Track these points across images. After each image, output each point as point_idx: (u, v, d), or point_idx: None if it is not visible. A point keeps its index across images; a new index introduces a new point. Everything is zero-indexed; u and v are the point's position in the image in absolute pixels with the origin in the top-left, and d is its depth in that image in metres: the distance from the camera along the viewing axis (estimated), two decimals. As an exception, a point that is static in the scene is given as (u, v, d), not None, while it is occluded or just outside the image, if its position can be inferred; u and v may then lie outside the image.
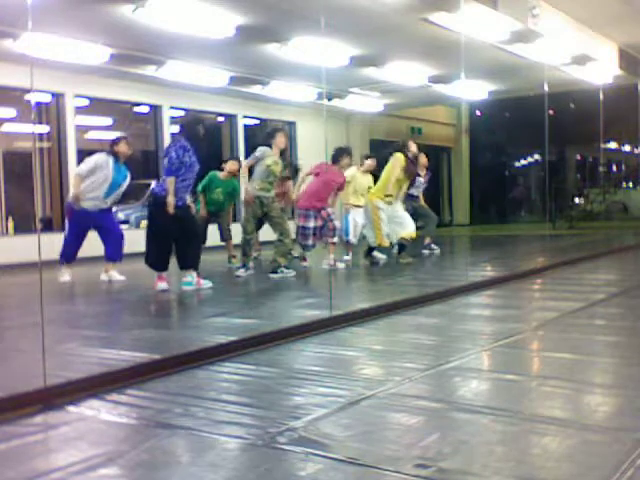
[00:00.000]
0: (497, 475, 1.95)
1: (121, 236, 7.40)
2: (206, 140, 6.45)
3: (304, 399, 2.79)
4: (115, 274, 7.29)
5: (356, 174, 8.84)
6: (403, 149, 8.34)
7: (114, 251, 7.31)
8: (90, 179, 7.05)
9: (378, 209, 8.18)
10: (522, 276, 6.77)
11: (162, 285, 6.34)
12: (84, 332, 4.82)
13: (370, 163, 8.97)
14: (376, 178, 8.80)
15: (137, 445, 2.31)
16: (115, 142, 7.22)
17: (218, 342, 3.75)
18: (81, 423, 2.59)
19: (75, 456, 2.22)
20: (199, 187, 8.33)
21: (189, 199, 6.46)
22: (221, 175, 8.49)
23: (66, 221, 7.58)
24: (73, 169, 11.02)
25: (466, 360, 3.35)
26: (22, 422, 2.59)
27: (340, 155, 7.98)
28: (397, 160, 8.20)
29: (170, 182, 6.05)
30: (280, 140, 7.34)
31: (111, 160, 7.11)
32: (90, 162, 7.12)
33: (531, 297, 6.02)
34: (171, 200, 6.03)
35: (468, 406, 2.61)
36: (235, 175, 8.50)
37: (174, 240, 6.27)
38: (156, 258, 6.34)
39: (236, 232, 8.75)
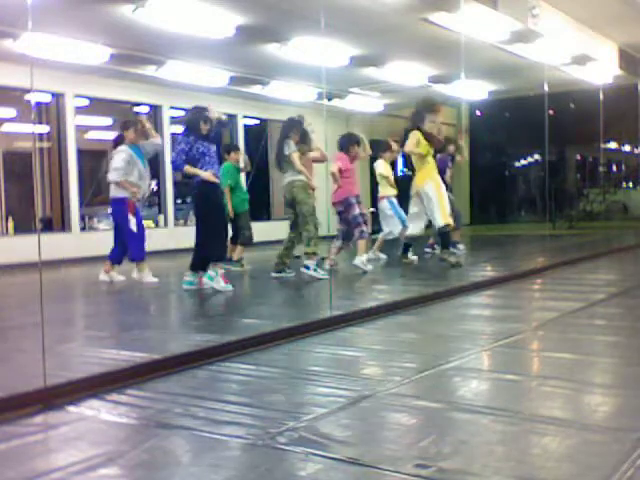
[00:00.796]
0: (497, 475, 1.95)
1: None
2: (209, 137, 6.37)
3: (304, 399, 2.79)
4: (115, 274, 7.29)
5: (387, 166, 8.84)
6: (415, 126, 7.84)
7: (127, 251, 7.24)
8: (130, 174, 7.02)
9: (440, 187, 7.74)
10: (522, 276, 6.77)
11: (229, 286, 6.19)
12: (84, 332, 4.83)
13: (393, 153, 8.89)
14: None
15: (137, 445, 2.31)
16: (125, 128, 7.17)
17: (218, 342, 3.75)
18: (81, 423, 2.59)
19: (75, 456, 2.22)
20: (226, 182, 7.71)
21: None
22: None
23: (128, 218, 7.10)
24: (73, 169, 11.04)
25: (466, 360, 3.35)
26: (22, 422, 2.59)
27: (350, 143, 7.75)
28: (413, 137, 7.70)
29: (187, 170, 6.09)
30: (296, 137, 7.23)
31: (130, 149, 7.06)
32: (120, 162, 6.98)
33: (531, 297, 6.02)
34: (202, 173, 6.03)
35: (468, 406, 2.61)
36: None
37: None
38: (221, 247, 6.29)
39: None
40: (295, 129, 7.19)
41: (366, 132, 16.57)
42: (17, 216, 11.11)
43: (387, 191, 8.71)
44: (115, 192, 7.04)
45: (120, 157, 7.01)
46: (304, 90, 12.90)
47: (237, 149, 8.46)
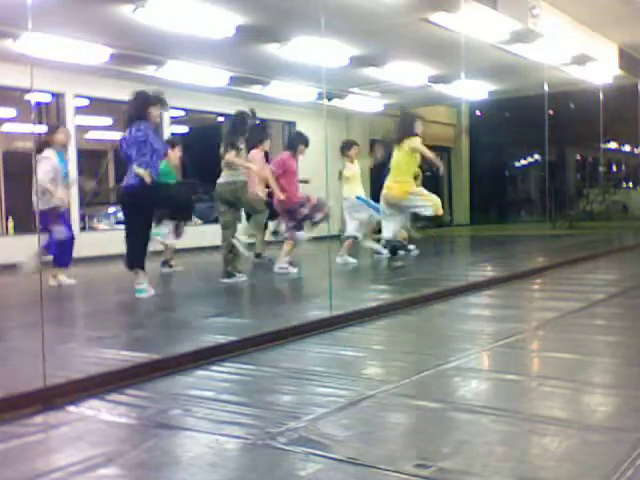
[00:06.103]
0: (497, 475, 1.95)
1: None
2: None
3: (304, 399, 2.79)
4: (65, 278, 6.99)
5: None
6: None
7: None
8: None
9: None
10: (522, 276, 6.77)
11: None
12: (84, 332, 4.82)
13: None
14: None
15: (137, 445, 2.31)
16: (52, 131, 7.09)
17: (218, 342, 3.75)
18: (81, 423, 2.59)
19: (75, 456, 2.22)
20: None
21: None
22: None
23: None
24: (73, 169, 11.04)
25: (466, 360, 3.35)
26: (22, 422, 2.59)
27: (301, 142, 7.98)
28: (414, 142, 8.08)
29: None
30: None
31: (56, 154, 6.90)
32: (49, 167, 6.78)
33: (531, 297, 6.02)
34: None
35: (468, 406, 2.61)
36: None
37: None
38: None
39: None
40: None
41: (366, 132, 16.67)
42: (17, 216, 11.11)
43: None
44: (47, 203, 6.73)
45: (48, 163, 6.79)
46: (304, 90, 12.90)
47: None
